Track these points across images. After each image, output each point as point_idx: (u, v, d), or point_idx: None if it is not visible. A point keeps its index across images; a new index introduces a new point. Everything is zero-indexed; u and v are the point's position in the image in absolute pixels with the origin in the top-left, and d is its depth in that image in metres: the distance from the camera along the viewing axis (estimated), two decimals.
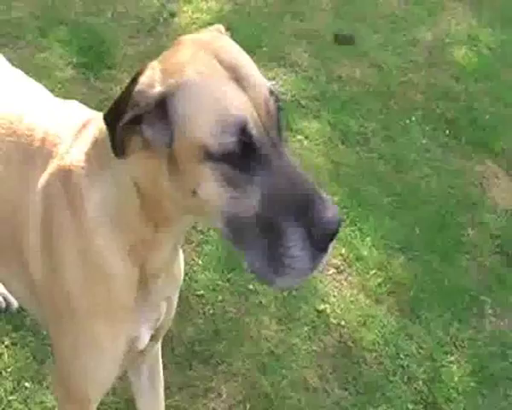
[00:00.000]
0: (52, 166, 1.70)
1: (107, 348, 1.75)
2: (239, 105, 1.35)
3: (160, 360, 2.28)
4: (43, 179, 1.71)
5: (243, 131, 1.33)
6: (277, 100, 1.42)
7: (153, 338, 1.94)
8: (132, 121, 1.39)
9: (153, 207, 1.53)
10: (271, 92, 1.41)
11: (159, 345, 2.21)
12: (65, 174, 1.64)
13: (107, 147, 1.45)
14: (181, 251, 1.91)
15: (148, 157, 1.45)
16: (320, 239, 1.33)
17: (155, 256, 1.64)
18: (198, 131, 1.36)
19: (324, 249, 1.36)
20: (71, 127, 1.72)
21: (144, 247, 1.61)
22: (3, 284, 2.22)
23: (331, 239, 1.36)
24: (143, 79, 1.40)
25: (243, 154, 1.34)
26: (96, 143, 1.58)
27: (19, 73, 2.12)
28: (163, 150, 1.42)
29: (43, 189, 1.71)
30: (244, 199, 1.36)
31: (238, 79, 1.39)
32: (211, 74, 1.39)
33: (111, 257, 1.63)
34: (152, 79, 1.40)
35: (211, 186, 1.38)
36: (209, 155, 1.35)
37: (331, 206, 1.35)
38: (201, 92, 1.38)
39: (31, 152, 1.77)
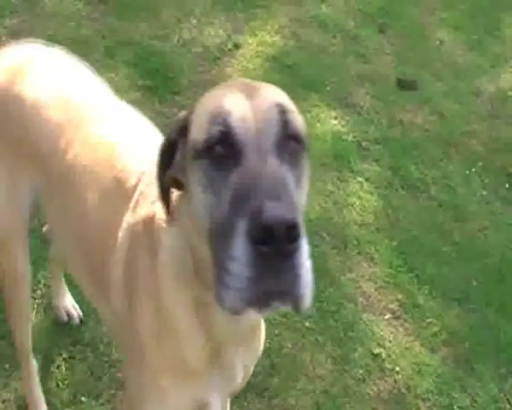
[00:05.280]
0: (141, 207, 1.74)
1: (171, 406, 1.75)
2: (232, 102, 1.33)
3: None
4: (132, 218, 1.76)
5: (225, 120, 1.30)
6: (284, 112, 1.35)
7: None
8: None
9: (197, 262, 1.51)
10: (279, 105, 1.35)
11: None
12: (150, 217, 1.67)
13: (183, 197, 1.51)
14: (263, 325, 1.88)
15: (184, 204, 1.48)
16: (256, 233, 1.15)
17: (217, 321, 1.58)
18: (194, 132, 1.37)
19: (265, 257, 1.16)
20: None
21: (204, 308, 1.57)
22: (95, 302, 2.23)
23: (274, 243, 1.15)
24: (179, 115, 1.49)
25: (224, 149, 1.30)
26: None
27: (125, 105, 2.18)
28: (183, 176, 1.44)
29: (131, 227, 1.76)
30: (219, 204, 1.28)
31: (250, 94, 1.36)
32: (224, 88, 1.41)
33: (178, 311, 1.62)
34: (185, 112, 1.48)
35: (196, 192, 1.34)
36: (196, 153, 1.34)
37: (282, 205, 1.17)
38: (208, 100, 1.40)
39: (126, 189, 1.82)
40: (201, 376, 1.70)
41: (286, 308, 1.26)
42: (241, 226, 1.17)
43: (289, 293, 1.22)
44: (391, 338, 3.25)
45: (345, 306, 3.33)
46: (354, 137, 4.32)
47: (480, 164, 4.36)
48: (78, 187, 1.98)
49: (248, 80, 1.49)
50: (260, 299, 1.21)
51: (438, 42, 5.49)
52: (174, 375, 1.69)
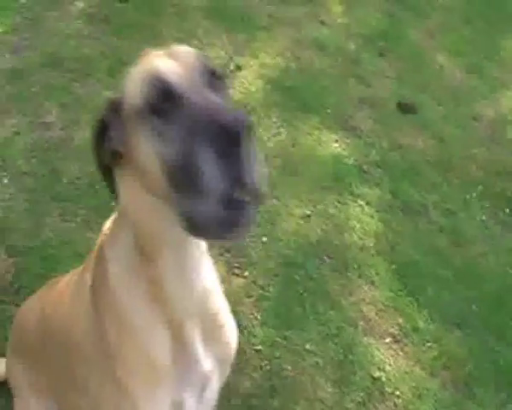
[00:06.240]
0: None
1: None
2: (161, 63, 1.49)
3: None
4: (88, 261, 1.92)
5: (159, 78, 1.45)
6: (201, 57, 1.52)
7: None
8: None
9: (142, 234, 1.62)
10: (196, 53, 1.54)
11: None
12: (99, 244, 1.82)
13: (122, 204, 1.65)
14: (231, 320, 1.99)
15: (124, 176, 1.60)
16: (220, 138, 1.30)
17: (171, 292, 1.67)
18: (131, 100, 1.50)
19: (231, 155, 1.31)
20: None
21: (158, 290, 1.67)
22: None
23: (234, 138, 1.31)
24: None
25: (164, 100, 1.43)
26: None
27: None
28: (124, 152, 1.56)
29: (91, 268, 1.87)
30: (173, 148, 1.40)
31: (169, 53, 1.54)
32: (145, 59, 1.56)
33: (134, 307, 1.72)
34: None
35: (145, 147, 1.46)
36: (138, 115, 1.47)
37: (231, 111, 1.33)
38: (136, 72, 1.53)
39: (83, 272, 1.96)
40: (170, 373, 1.76)
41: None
42: (202, 142, 1.32)
43: (251, 180, 1.35)
44: (391, 362, 3.29)
45: (345, 329, 3.38)
46: (355, 160, 4.39)
47: (480, 188, 4.43)
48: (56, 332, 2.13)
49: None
50: (232, 202, 1.34)
51: (438, 66, 5.58)
52: (144, 378, 1.75)
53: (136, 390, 1.75)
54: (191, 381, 1.82)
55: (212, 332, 1.86)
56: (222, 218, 1.34)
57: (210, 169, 1.31)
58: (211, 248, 3.47)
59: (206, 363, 1.84)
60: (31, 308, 2.43)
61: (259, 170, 1.37)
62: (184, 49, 1.55)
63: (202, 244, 1.73)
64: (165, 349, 1.74)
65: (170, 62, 1.49)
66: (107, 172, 1.65)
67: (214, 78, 1.51)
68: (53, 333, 2.14)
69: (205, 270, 1.77)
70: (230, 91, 1.49)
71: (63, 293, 2.11)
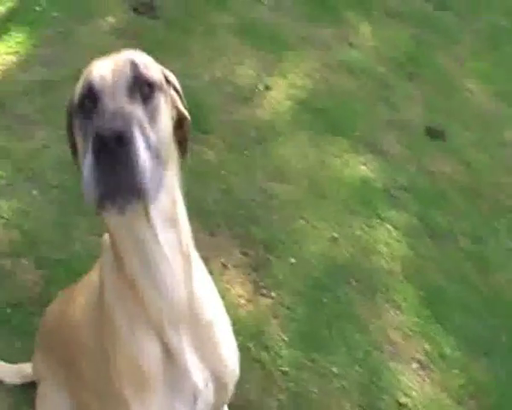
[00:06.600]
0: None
1: None
2: (97, 67, 1.61)
3: None
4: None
5: (87, 79, 1.58)
6: (136, 65, 1.61)
7: None
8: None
9: (108, 229, 1.73)
10: (132, 62, 1.62)
11: None
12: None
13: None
14: (229, 336, 2.02)
15: None
16: (95, 143, 1.42)
17: (144, 296, 1.72)
18: (74, 96, 1.65)
19: (105, 161, 1.43)
20: None
21: (134, 289, 1.73)
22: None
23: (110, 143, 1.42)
24: None
25: (88, 100, 1.56)
26: None
27: None
28: None
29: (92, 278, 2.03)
30: (86, 143, 1.52)
31: (112, 58, 1.65)
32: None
33: (119, 310, 1.79)
34: None
35: (78, 144, 1.63)
36: (74, 111, 1.63)
37: (116, 121, 1.46)
38: (84, 71, 1.66)
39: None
40: (160, 381, 1.80)
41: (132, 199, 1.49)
42: (91, 143, 1.44)
43: (127, 185, 1.46)
44: (417, 388, 3.29)
45: (371, 353, 3.38)
46: (383, 183, 4.40)
47: (509, 216, 4.43)
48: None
49: None
50: (109, 194, 1.45)
51: (466, 92, 5.60)
52: (135, 384, 1.80)
53: (129, 397, 1.80)
54: (183, 391, 1.84)
55: (204, 345, 1.87)
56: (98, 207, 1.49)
57: (87, 169, 1.44)
58: (237, 266, 3.52)
59: (197, 374, 1.85)
60: (53, 305, 2.55)
61: (138, 176, 1.46)
62: (124, 55, 1.66)
63: (186, 249, 1.77)
64: (154, 356, 1.78)
65: (104, 66, 1.60)
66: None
67: (146, 86, 1.61)
68: (66, 331, 2.22)
69: (190, 277, 1.79)
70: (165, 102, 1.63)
71: (79, 293, 2.19)
